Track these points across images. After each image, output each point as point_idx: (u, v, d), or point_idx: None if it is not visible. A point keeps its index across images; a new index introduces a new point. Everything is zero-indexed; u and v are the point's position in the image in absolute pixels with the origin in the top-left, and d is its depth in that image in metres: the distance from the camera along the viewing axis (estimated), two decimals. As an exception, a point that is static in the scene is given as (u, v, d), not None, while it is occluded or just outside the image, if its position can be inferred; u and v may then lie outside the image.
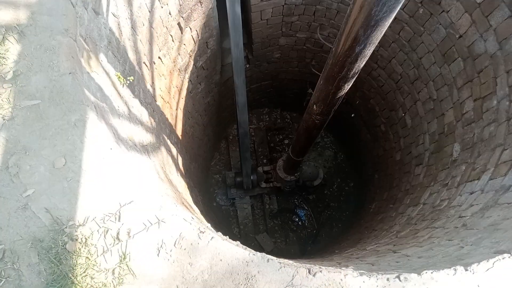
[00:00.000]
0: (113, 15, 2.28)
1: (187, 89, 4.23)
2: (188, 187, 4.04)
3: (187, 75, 4.10)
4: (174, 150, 3.78)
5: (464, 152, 3.03)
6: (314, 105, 3.09)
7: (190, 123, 4.71)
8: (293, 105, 7.28)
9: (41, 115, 1.69)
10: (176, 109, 4.00)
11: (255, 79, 6.13)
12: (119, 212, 1.64)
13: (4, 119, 1.67)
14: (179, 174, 3.79)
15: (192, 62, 4.08)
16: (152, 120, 3.01)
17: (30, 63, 1.75)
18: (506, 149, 2.43)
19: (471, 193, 2.60)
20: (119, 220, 1.64)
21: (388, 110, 4.74)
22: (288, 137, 7.44)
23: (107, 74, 2.16)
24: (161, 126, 3.33)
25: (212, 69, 4.77)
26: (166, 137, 3.47)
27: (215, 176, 7.09)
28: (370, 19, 1.83)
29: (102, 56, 2.12)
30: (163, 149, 3.22)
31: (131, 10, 2.51)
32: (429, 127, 3.77)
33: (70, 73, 1.75)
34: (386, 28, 1.93)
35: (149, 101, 2.96)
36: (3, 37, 1.74)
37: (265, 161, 6.97)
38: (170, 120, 3.74)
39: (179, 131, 4.18)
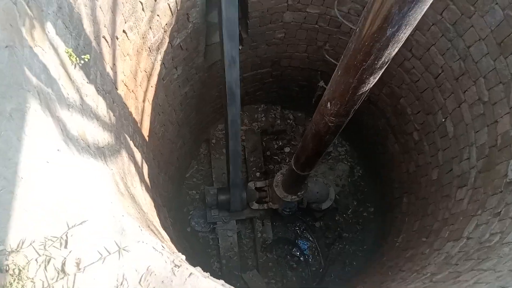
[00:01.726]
0: (67, -29, 2.28)
1: (159, 75, 4.23)
2: (155, 206, 4.02)
3: (160, 57, 4.10)
4: (138, 155, 3.77)
5: (523, 172, 3.07)
6: (328, 103, 3.12)
7: (160, 120, 4.70)
8: (298, 101, 7.31)
9: (-35, 101, 1.67)
10: (143, 101, 4.00)
11: (249, 66, 6.16)
12: (66, 235, 1.63)
13: None
14: (143, 188, 3.78)
15: (167, 40, 4.08)
16: (111, 114, 3.00)
17: (-47, 31, 1.73)
18: None
19: (531, 226, 2.64)
20: (65, 247, 1.62)
21: (424, 114, 4.79)
22: (290, 144, 7.47)
23: (55, 50, 2.15)
24: (123, 123, 3.32)
25: (193, 50, 4.78)
26: (128, 138, 3.46)
27: (191, 192, 7.07)
28: (408, -7, 1.87)
29: (49, 26, 2.11)
30: (124, 153, 3.21)
31: (90, -33, 2.51)
32: (477, 138, 3.82)
33: (6, 47, 1.74)
34: (428, 5, 1.96)
35: (108, 88, 2.95)
36: None
37: (258, 174, 6.98)
38: (134, 115, 3.73)
39: (145, 130, 4.16)
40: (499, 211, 3.13)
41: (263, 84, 6.88)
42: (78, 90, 2.38)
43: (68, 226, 1.67)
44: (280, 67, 6.40)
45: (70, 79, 2.28)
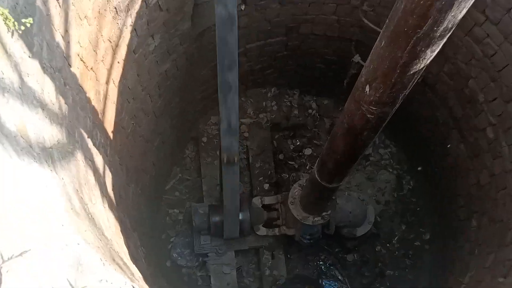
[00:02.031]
0: None
1: (129, 46, 4.24)
2: (123, 230, 4.03)
3: (130, 20, 4.11)
4: (99, 159, 3.78)
5: None
6: (367, 86, 3.11)
7: (130, 110, 4.71)
8: (323, 84, 7.32)
9: None
10: (107, 83, 4.01)
11: (255, 34, 6.16)
12: (0, 271, 1.64)
13: None
14: (106, 205, 3.78)
15: (140, -4, 4.10)
16: (63, 102, 3.01)
17: None
18: None
19: None
20: (-1, 286, 1.63)
21: (502, 101, 4.78)
22: (311, 144, 7.49)
23: (-16, 10, 2.16)
24: (78, 114, 3.32)
25: (176, 11, 4.79)
26: (86, 134, 3.47)
27: (172, 211, 7.10)
28: None
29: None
30: (79, 156, 3.22)
31: None
32: None
33: None
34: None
35: (58, 65, 2.96)
36: None
37: (267, 186, 7.00)
38: (94, 102, 3.74)
39: (109, 124, 4.18)
40: None
41: (274, 60, 6.90)
42: (16, 68, 2.38)
43: (2, 259, 1.68)
44: (299, 35, 6.41)
45: (6, 51, 2.29)
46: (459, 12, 2.32)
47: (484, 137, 5.24)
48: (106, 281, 1.77)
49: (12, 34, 2.35)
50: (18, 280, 1.68)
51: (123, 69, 4.25)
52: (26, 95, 2.46)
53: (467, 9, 2.31)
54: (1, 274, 1.66)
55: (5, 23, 2.27)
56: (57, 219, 1.94)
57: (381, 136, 7.48)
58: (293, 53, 6.80)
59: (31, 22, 2.50)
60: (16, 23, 2.34)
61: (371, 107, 3.24)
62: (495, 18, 4.47)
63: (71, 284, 1.70)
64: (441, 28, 2.41)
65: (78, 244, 1.86)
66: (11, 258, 1.68)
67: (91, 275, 1.75)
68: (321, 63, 6.90)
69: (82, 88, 3.43)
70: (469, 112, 5.41)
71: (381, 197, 7.35)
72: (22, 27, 2.41)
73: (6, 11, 2.28)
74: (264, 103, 7.52)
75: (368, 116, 3.33)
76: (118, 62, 4.14)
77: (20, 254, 1.69)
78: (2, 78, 2.20)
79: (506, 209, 4.81)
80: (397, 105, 3.24)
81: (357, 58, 5.57)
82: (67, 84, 3.10)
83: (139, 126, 5.09)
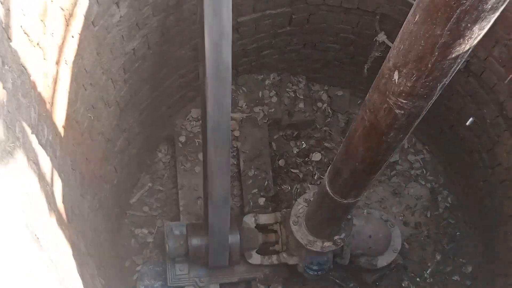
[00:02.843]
0: None
1: (87, 16, 4.25)
2: (75, 255, 4.03)
3: (89, -18, 4.13)
4: (46, 163, 3.78)
5: None
6: (396, 73, 3.12)
7: (87, 99, 4.72)
8: (337, 70, 7.34)
9: None
10: (57, 63, 4.01)
11: (250, 2, 6.17)
12: None
13: None
14: (55, 222, 3.78)
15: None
16: (0, 86, 3.01)
17: None
18: None
19: None
20: None
21: None
22: (321, 147, 7.51)
23: None
24: (20, 102, 3.33)
25: (148, -29, 4.81)
26: (29, 130, 3.47)
27: (139, 232, 7.09)
28: None
29: None
30: (21, 158, 3.22)
31: None
32: None
33: None
34: None
35: (-7, 38, 2.97)
36: None
37: (262, 201, 7.01)
38: (41, 88, 3.74)
39: (59, 117, 4.18)
40: None
41: (274, 37, 6.94)
42: None
43: None
44: (308, 6, 6.44)
45: None
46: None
47: (545, 142, 5.27)
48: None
49: None
50: None
51: (78, 46, 4.26)
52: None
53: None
54: None
55: None
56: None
57: (411, 138, 7.51)
58: (299, 29, 6.83)
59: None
60: None
61: (400, 99, 3.25)
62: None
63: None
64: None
65: (26, 275, 1.86)
66: None
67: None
68: (334, 42, 6.94)
69: (26, 69, 3.43)
70: (526, 110, 5.44)
71: (410, 217, 7.37)
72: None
73: None
74: (260, 93, 7.53)
75: (397, 111, 3.35)
76: (73, 37, 4.15)
77: None
78: None
79: None
80: (434, 98, 3.25)
81: (382, 36, 5.58)
82: (5, 63, 3.11)
83: (98, 121, 5.10)
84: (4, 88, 3.01)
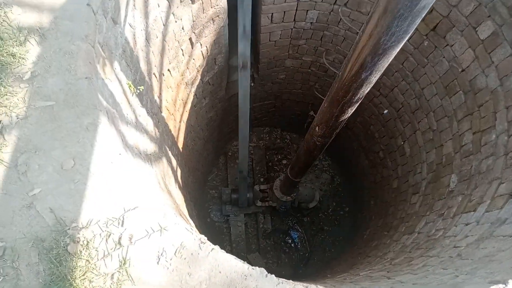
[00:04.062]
0: (130, 25, 2.36)
1: (192, 102, 4.29)
2: (185, 200, 4.04)
3: (193, 89, 4.17)
4: (174, 162, 3.81)
5: (461, 184, 3.08)
6: (317, 127, 3.15)
7: (191, 137, 4.75)
8: (293, 126, 7.34)
9: (55, 116, 1.73)
10: (180, 122, 4.05)
11: (258, 98, 6.22)
12: (123, 217, 1.66)
13: (18, 118, 1.71)
14: (177, 186, 3.81)
15: (199, 77, 4.16)
16: (156, 130, 3.05)
17: (48, 65, 1.80)
18: (503, 183, 2.49)
19: (467, 224, 2.64)
20: (122, 225, 1.66)
21: (388, 137, 4.81)
22: (286, 158, 7.47)
23: (120, 81, 2.22)
24: (164, 137, 3.37)
25: (217, 85, 4.85)
26: (168, 148, 3.50)
27: (211, 192, 7.07)
28: (378, 47, 1.92)
29: (116, 64, 2.19)
30: (164, 160, 3.25)
31: (146, 22, 2.60)
32: (427, 157, 3.84)
33: (86, 78, 1.81)
34: (392, 57, 2.02)
35: (155, 111, 3.01)
36: (25, 39, 1.80)
37: (262, 179, 6.98)
38: (173, 131, 3.79)
39: (180, 144, 4.21)
40: (442, 212, 3.13)
41: (267, 112, 6.94)
42: (134, 112, 2.44)
43: (124, 210, 1.70)
44: (281, 99, 6.46)
45: (129, 103, 2.34)
46: (366, 89, 2.37)
47: (378, 157, 5.26)
48: (178, 224, 1.79)
49: (133, 94, 2.41)
50: (132, 222, 1.70)
51: (188, 115, 4.31)
52: (138, 126, 2.51)
53: (369, 88, 2.36)
54: (123, 219, 1.69)
55: (129, 88, 2.33)
56: (153, 191, 1.97)
57: (323, 154, 7.48)
58: (278, 109, 6.83)
59: (142, 88, 2.55)
60: (135, 88, 2.40)
61: (318, 138, 3.27)
62: (385, 93, 4.53)
63: (159, 225, 1.72)
64: (357, 97, 2.46)
65: (164, 205, 1.88)
66: (129, 210, 1.71)
67: (170, 220, 1.78)
68: (292, 115, 6.93)
69: (167, 124, 3.48)
70: (371, 143, 5.43)
71: (323, 187, 7.30)
72: (138, 91, 2.47)
73: (130, 82, 2.34)
74: (261, 135, 7.52)
75: (317, 143, 3.37)
76: (186, 111, 4.20)
77: (134, 208, 1.72)
78: (127, 116, 2.25)
79: (389, 196, 4.82)
80: (332, 138, 3.27)
81: (312, 113, 5.59)
82: (159, 121, 3.16)
83: (196, 145, 5.14)
84: (158, 131, 3.06)
